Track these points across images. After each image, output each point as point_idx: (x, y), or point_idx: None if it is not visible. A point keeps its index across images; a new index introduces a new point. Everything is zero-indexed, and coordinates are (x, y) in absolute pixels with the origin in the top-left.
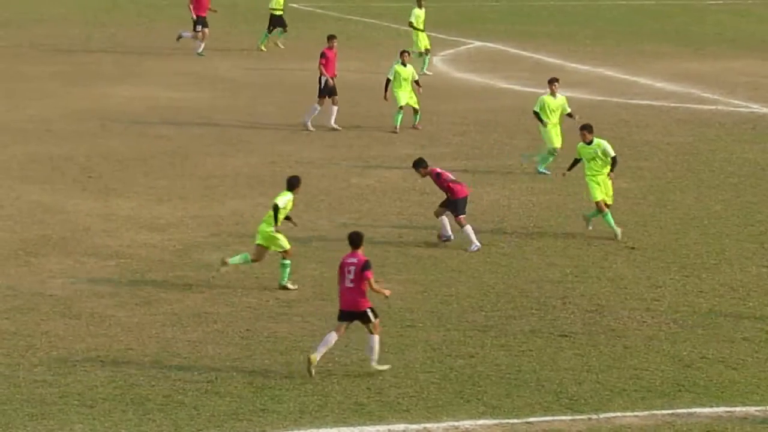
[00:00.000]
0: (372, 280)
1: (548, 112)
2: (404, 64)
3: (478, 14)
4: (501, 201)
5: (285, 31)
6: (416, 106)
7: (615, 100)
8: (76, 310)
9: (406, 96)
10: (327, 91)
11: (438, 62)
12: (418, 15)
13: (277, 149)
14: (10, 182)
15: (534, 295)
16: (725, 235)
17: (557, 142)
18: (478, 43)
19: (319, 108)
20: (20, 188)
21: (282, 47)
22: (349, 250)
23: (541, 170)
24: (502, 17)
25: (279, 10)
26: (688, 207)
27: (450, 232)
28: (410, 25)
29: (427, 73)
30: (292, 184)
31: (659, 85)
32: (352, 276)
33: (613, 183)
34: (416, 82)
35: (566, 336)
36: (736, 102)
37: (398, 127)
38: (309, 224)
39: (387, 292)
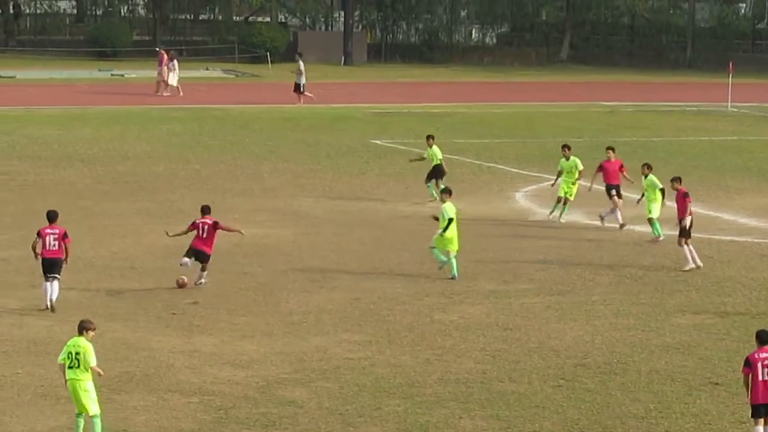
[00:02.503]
0: None
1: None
2: None
3: (559, 150)
4: (584, 336)
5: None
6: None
7: (698, 235)
8: None
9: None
10: None
11: (520, 198)
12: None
13: (361, 285)
14: (94, 319)
15: (617, 431)
16: None
17: None
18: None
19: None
20: (104, 325)
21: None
22: None
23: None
24: (585, 153)
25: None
26: None
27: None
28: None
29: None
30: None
31: (742, 220)
32: None
33: None
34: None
35: None
36: None
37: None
38: (392, 360)
39: None
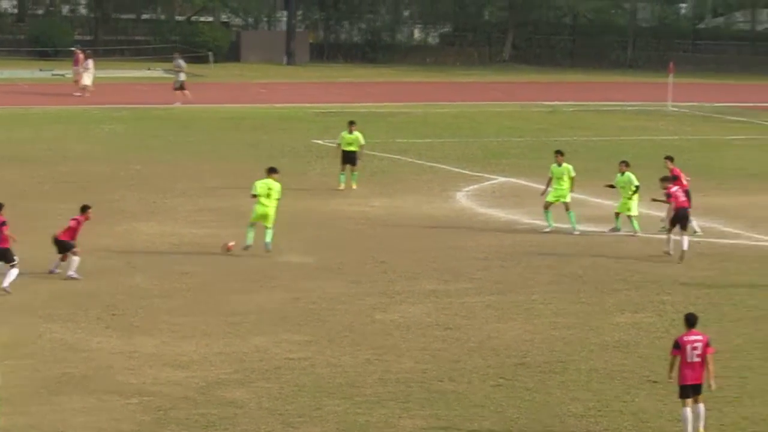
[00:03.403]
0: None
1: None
2: None
3: (501, 149)
4: (524, 336)
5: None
6: None
7: (638, 234)
8: None
9: None
10: None
11: (462, 197)
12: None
13: (302, 285)
14: (33, 320)
15: (557, 429)
16: (747, 369)
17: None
18: (502, 179)
19: None
20: (43, 326)
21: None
22: None
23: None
24: (526, 152)
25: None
26: (710, 340)
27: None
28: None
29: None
30: None
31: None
32: (698, 351)
33: None
34: None
35: None
36: (758, 236)
37: None
38: (332, 360)
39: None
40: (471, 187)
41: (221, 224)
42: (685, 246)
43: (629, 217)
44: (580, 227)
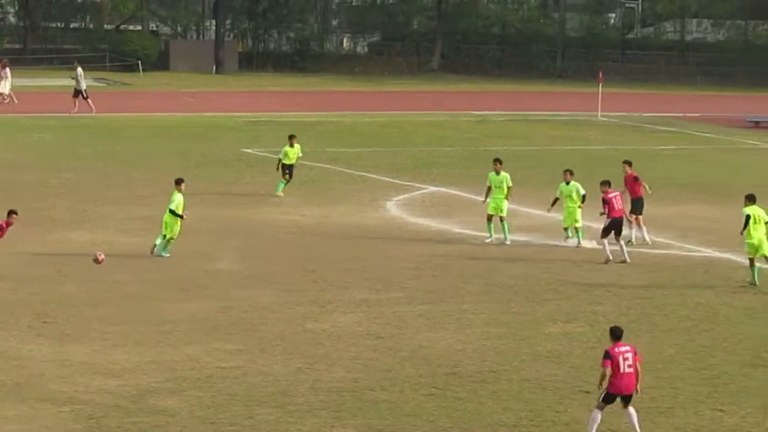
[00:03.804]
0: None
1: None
2: None
3: (431, 159)
4: (456, 345)
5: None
6: None
7: (567, 244)
8: None
9: None
10: None
11: (392, 207)
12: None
13: (233, 294)
14: None
15: None
16: (679, 379)
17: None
18: (432, 188)
19: None
20: None
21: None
22: None
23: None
24: (456, 162)
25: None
26: (642, 351)
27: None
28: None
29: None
30: None
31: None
32: (630, 362)
33: None
34: None
35: None
36: (689, 246)
37: None
38: (264, 369)
39: None
40: (401, 197)
41: (152, 232)
42: (626, 254)
43: (576, 228)
44: (512, 237)
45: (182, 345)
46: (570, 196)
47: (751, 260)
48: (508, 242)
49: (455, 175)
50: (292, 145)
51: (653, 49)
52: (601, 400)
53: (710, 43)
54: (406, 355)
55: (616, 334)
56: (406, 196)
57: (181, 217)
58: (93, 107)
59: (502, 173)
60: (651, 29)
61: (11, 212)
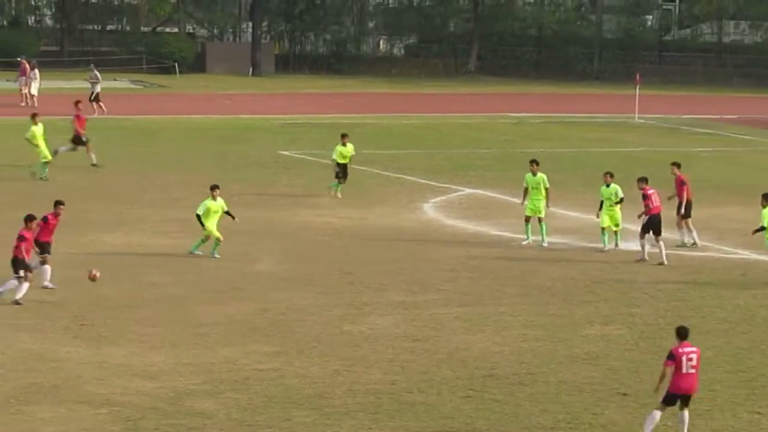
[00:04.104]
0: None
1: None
2: None
3: (467, 161)
4: (493, 347)
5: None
6: None
7: (605, 249)
8: None
9: None
10: None
11: (429, 209)
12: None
13: (270, 296)
14: (1, 330)
15: None
16: (717, 381)
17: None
18: (468, 190)
19: None
20: (11, 336)
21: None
22: None
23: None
24: (492, 164)
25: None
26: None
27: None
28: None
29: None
30: None
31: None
32: (693, 363)
33: None
34: None
35: None
36: (726, 248)
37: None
38: (301, 371)
39: None
40: (438, 199)
41: (187, 234)
42: (664, 255)
43: (615, 232)
44: (549, 239)
45: (219, 347)
46: (609, 198)
47: None
48: (545, 244)
49: (492, 177)
50: (344, 144)
51: (690, 51)
52: (661, 401)
53: (748, 45)
54: (444, 357)
55: (682, 334)
56: (442, 198)
57: (202, 224)
58: (98, 110)
59: (539, 174)
60: (688, 31)
61: (58, 203)
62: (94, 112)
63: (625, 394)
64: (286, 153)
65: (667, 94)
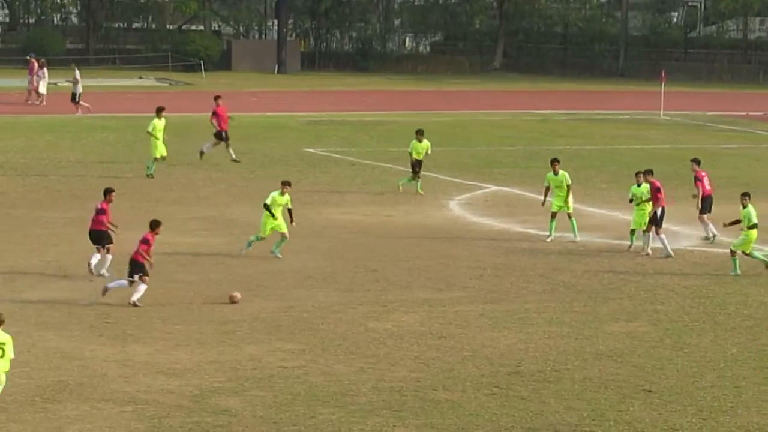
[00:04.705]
0: None
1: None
2: None
3: (493, 158)
4: (518, 345)
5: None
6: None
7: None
8: None
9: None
10: None
11: (454, 206)
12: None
13: (295, 294)
14: (27, 328)
15: None
16: (742, 378)
17: None
18: (494, 187)
19: None
20: (36, 334)
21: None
22: None
23: None
24: (518, 161)
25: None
26: (705, 350)
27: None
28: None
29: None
30: None
31: (674, 228)
32: None
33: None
34: None
35: None
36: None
37: None
38: (326, 368)
39: None
40: (463, 196)
41: (213, 233)
42: (669, 249)
43: (644, 231)
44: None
45: (244, 345)
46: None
47: None
48: (577, 239)
49: (517, 175)
50: (420, 140)
51: (716, 47)
52: None
53: None
54: (468, 354)
55: None
56: (468, 195)
57: (272, 214)
58: (82, 110)
59: (561, 172)
60: (713, 28)
61: (108, 191)
62: (77, 112)
63: (650, 391)
64: (311, 150)
65: (692, 91)
